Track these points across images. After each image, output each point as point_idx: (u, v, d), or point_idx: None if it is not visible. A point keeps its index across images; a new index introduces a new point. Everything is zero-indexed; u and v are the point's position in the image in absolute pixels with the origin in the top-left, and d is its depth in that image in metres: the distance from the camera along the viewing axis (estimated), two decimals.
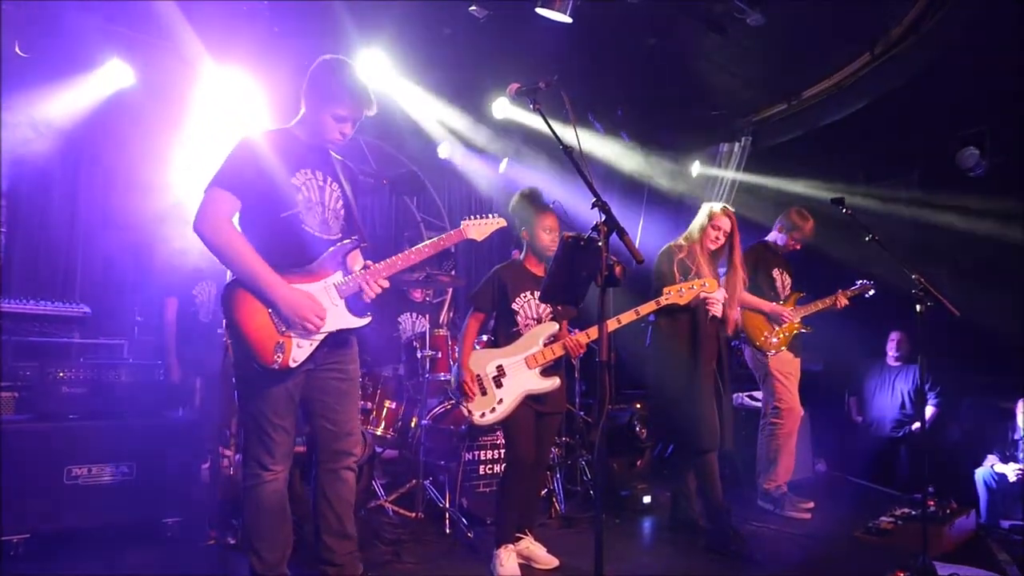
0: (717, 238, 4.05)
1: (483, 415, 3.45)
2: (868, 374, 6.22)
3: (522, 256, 3.71)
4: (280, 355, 2.51)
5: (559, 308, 3.61)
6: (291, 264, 2.59)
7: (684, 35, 5.23)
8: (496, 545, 3.47)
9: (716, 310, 3.98)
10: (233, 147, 2.57)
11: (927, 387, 5.73)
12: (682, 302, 3.59)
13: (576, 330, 3.66)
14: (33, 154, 4.83)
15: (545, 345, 3.51)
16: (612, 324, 3.45)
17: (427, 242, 2.83)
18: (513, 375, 3.48)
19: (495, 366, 3.50)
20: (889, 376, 6.06)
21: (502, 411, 3.44)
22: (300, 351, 2.56)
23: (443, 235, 2.91)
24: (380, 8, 4.80)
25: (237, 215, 2.58)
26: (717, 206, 4.11)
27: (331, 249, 2.66)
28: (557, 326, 3.56)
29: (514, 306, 3.57)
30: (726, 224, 4.04)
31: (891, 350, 6.08)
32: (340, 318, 2.65)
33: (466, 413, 3.48)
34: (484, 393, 3.48)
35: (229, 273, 2.60)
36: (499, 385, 3.48)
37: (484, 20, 4.85)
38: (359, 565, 2.83)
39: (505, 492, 3.52)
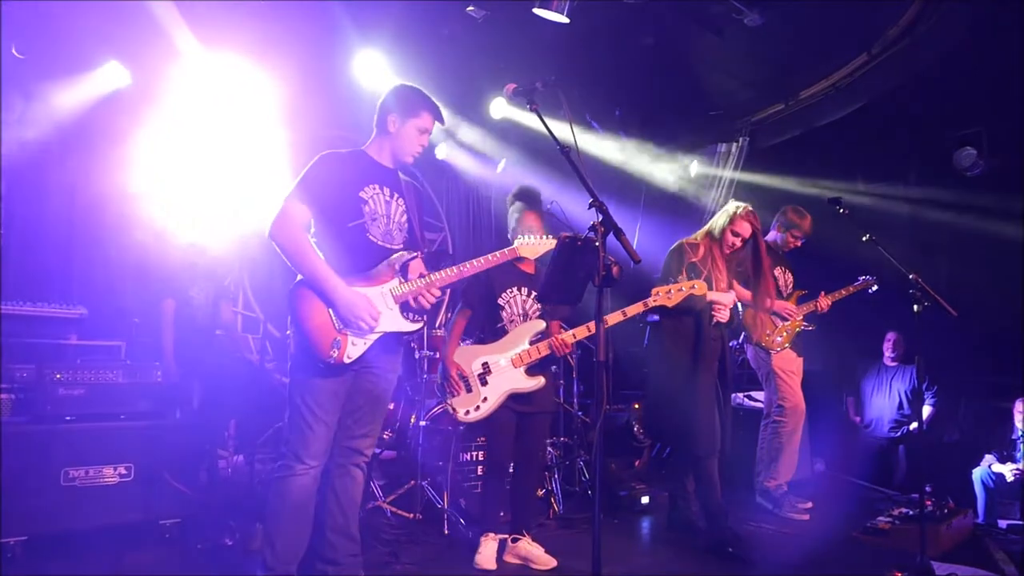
0: (734, 244, 3.99)
1: (467, 412, 3.48)
2: (865, 374, 6.23)
3: None
4: (336, 351, 2.70)
5: (547, 306, 3.62)
6: (355, 270, 2.78)
7: (682, 36, 5.24)
8: (478, 534, 3.55)
9: (723, 316, 3.92)
10: (311, 162, 2.80)
11: (924, 387, 5.73)
12: (670, 304, 3.53)
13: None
14: (30, 154, 4.82)
15: (531, 344, 3.52)
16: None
17: (481, 258, 3.03)
18: (498, 373, 3.48)
19: (480, 363, 3.51)
20: (886, 376, 6.06)
21: (486, 409, 3.46)
22: (354, 348, 2.74)
23: (497, 252, 3.07)
24: (378, 8, 4.80)
25: (312, 223, 2.78)
26: (740, 208, 3.99)
27: (391, 258, 2.84)
28: (543, 324, 3.57)
29: (500, 301, 3.59)
30: (746, 230, 3.96)
31: (887, 350, 6.08)
32: (393, 321, 2.82)
33: (450, 410, 3.51)
34: (469, 390, 3.50)
35: (298, 275, 2.75)
36: (484, 383, 3.49)
37: (482, 20, 4.86)
38: (360, 568, 2.86)
39: (484, 488, 3.63)
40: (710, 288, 3.89)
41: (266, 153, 5.35)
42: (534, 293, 3.66)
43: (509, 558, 3.61)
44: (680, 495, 4.20)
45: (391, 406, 4.70)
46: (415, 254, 2.92)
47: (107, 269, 5.33)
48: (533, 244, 3.18)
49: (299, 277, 2.75)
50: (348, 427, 2.84)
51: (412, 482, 4.34)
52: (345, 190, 2.79)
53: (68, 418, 3.64)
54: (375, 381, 2.87)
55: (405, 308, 2.86)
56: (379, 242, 2.85)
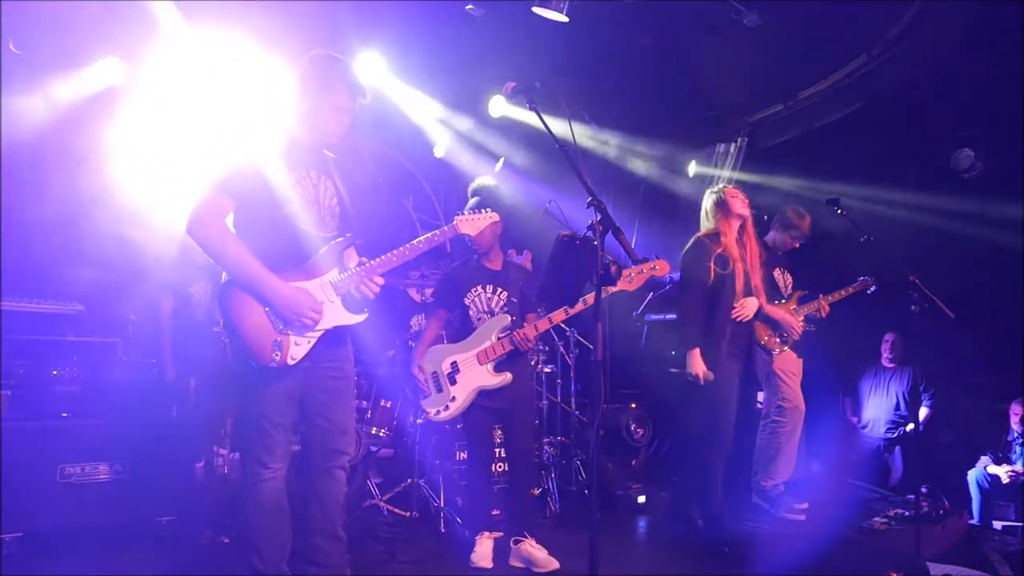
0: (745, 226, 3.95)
1: (437, 412, 3.51)
2: (863, 375, 6.24)
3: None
4: (278, 353, 2.54)
5: (514, 300, 3.63)
6: (287, 263, 2.60)
7: (681, 35, 5.24)
8: (472, 533, 3.57)
9: (746, 314, 3.88)
10: (227, 151, 2.62)
11: (921, 388, 5.76)
12: (631, 288, 3.37)
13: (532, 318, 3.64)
14: (27, 150, 4.80)
15: (498, 339, 3.52)
16: (559, 316, 3.44)
17: (421, 238, 2.84)
18: (466, 371, 3.50)
19: (450, 362, 3.52)
20: (884, 377, 6.07)
21: (455, 408, 3.48)
22: (298, 348, 2.58)
23: (436, 231, 2.93)
24: (377, 7, 4.79)
25: (231, 216, 2.59)
26: (722, 189, 3.98)
27: (326, 247, 2.67)
28: (509, 319, 3.57)
29: (465, 301, 3.61)
30: (741, 208, 3.94)
31: (885, 351, 6.09)
32: (337, 315, 2.67)
33: (422, 411, 3.53)
34: (440, 390, 3.50)
35: (224, 274, 2.60)
36: (453, 382, 3.50)
37: (481, 19, 4.85)
38: (346, 568, 2.80)
39: (470, 489, 3.71)
40: (745, 280, 3.85)
41: (263, 149, 5.32)
42: (499, 289, 3.66)
43: (513, 561, 3.58)
44: (680, 493, 4.16)
45: (387, 404, 4.69)
46: (349, 240, 2.73)
47: (105, 266, 5.31)
48: (473, 219, 3.07)
49: (224, 276, 2.57)
50: (324, 428, 2.70)
51: (408, 480, 4.34)
52: (269, 177, 2.56)
53: (64, 415, 3.64)
54: (335, 375, 2.72)
55: (347, 300, 2.69)
56: (310, 231, 2.64)
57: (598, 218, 2.30)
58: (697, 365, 3.77)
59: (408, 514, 4.23)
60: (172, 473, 3.83)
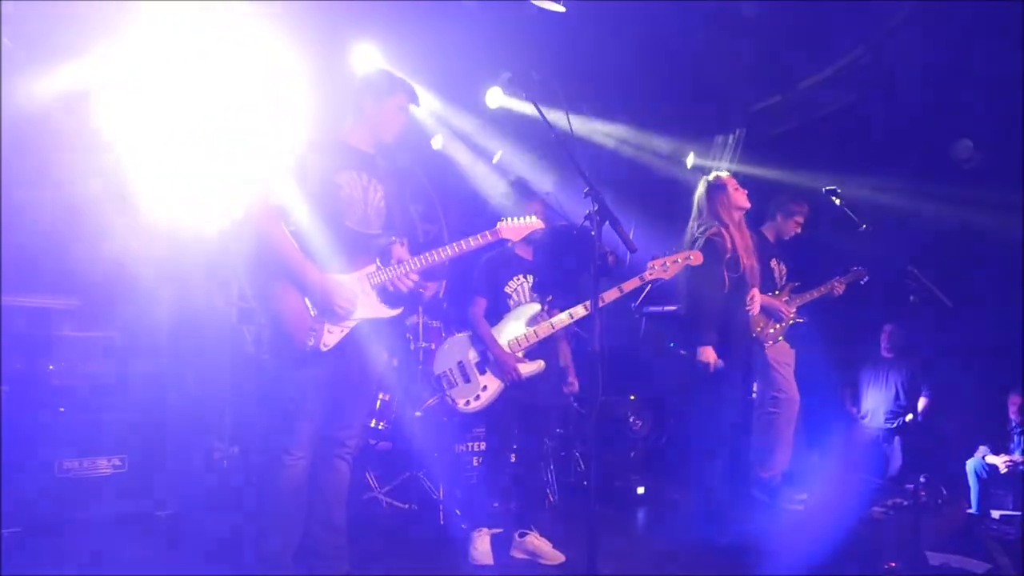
0: (741, 221, 3.95)
1: (467, 403, 3.44)
2: (862, 366, 6.24)
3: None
4: (313, 339, 2.66)
5: (537, 288, 3.62)
6: (332, 256, 2.73)
7: (678, 25, 5.21)
8: (472, 529, 3.52)
9: (754, 308, 3.91)
10: (278, 149, 2.87)
11: (921, 378, 5.77)
12: (667, 277, 3.38)
13: (556, 310, 3.62)
14: (22, 143, 4.78)
15: (528, 327, 3.49)
16: (579, 311, 3.42)
17: (462, 240, 2.94)
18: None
19: (478, 351, 3.48)
20: (883, 368, 6.08)
21: (487, 398, 3.42)
22: (331, 336, 2.70)
23: (479, 235, 3.01)
24: None
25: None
26: (717, 177, 3.99)
27: (368, 244, 2.81)
28: (539, 307, 3.55)
29: (507, 290, 3.57)
30: (743, 200, 3.96)
31: (884, 342, 6.10)
32: (371, 307, 2.79)
33: (449, 402, 3.47)
34: (467, 380, 3.46)
35: (263, 265, 2.72)
36: (483, 371, 3.46)
37: (477, 11, 4.82)
38: (345, 561, 2.83)
39: (480, 480, 3.66)
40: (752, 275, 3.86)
41: (258, 142, 5.30)
42: (532, 278, 3.65)
43: (517, 553, 3.58)
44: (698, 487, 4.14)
45: (386, 397, 4.68)
46: (394, 239, 2.87)
47: (101, 259, 5.29)
48: (515, 225, 3.13)
49: (268, 266, 2.70)
50: (330, 418, 2.80)
51: (407, 473, 4.34)
52: (320, 176, 2.75)
53: (62, 409, 3.63)
54: (356, 370, 2.83)
55: (383, 293, 2.81)
56: (355, 228, 2.80)
57: (595, 208, 2.29)
58: (709, 354, 3.73)
59: (407, 507, 4.24)
60: (171, 467, 3.82)
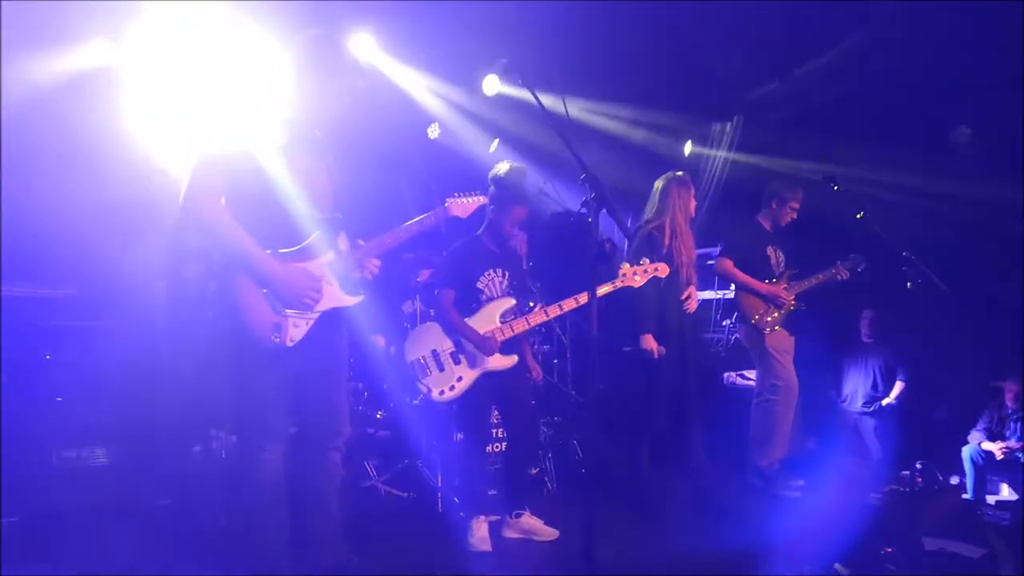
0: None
1: (442, 392, 3.45)
2: (844, 351, 6.27)
3: (481, 231, 3.68)
4: (278, 335, 2.53)
5: (515, 283, 3.65)
6: (282, 244, 2.57)
7: (676, 12, 5.18)
8: (468, 517, 3.54)
9: (692, 306, 4.18)
10: (218, 130, 2.60)
11: (896, 363, 5.87)
12: (636, 284, 3.57)
13: (542, 304, 3.66)
14: (19, 133, 4.75)
15: (502, 322, 3.50)
16: (569, 303, 3.49)
17: (413, 220, 2.89)
18: (472, 351, 3.47)
19: (451, 341, 3.49)
20: (862, 353, 6.11)
21: (461, 387, 3.44)
22: (297, 330, 2.57)
23: (428, 213, 2.96)
24: None
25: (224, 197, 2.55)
26: (674, 177, 4.26)
27: (320, 229, 2.65)
28: (513, 302, 3.56)
29: (479, 285, 3.58)
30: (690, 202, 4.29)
31: (864, 328, 6.12)
32: (334, 297, 2.68)
33: (424, 390, 3.46)
34: (441, 369, 3.46)
35: (218, 256, 2.59)
36: (457, 362, 3.47)
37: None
38: (342, 548, 2.82)
39: (466, 470, 3.66)
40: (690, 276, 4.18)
41: (254, 129, 5.27)
42: (504, 272, 3.65)
43: (511, 533, 3.62)
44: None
45: (385, 386, 4.68)
46: (340, 221, 2.73)
47: (98, 249, 5.27)
48: (464, 203, 3.16)
49: (218, 259, 2.55)
50: (318, 410, 2.71)
51: (406, 461, 4.35)
52: (261, 158, 2.52)
53: (59, 399, 3.63)
54: (325, 360, 2.72)
55: (344, 282, 2.71)
56: (305, 211, 2.60)
57: (592, 195, 2.28)
58: (650, 342, 4.05)
59: (405, 495, 4.25)
60: (169, 456, 3.83)
